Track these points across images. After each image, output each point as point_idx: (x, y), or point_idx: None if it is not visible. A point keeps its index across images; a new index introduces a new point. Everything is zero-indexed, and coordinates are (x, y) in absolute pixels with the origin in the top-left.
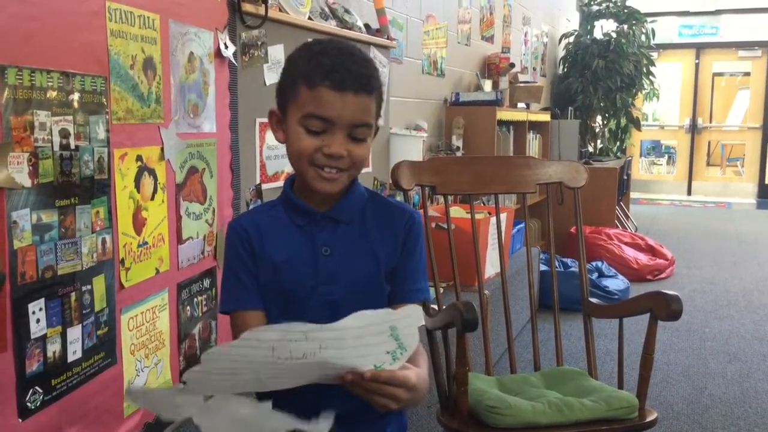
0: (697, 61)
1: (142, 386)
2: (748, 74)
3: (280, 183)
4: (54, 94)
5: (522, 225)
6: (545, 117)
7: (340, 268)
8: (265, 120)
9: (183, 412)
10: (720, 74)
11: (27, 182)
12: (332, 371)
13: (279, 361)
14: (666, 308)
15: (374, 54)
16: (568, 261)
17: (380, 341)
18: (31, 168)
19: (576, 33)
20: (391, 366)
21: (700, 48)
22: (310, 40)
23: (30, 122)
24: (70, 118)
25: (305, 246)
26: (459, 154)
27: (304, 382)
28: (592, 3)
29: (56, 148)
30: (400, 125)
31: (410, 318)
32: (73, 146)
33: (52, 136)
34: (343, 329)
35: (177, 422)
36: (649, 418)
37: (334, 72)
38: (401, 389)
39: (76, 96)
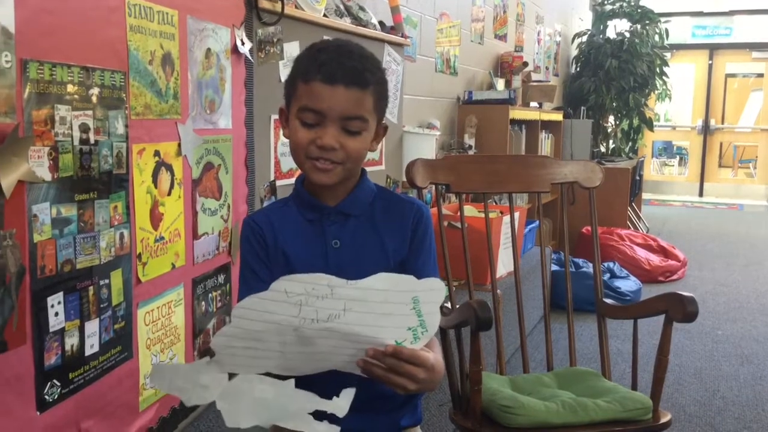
0: (710, 61)
1: (169, 364)
2: (761, 76)
3: (294, 180)
4: (74, 88)
5: (533, 225)
6: (558, 116)
7: (350, 261)
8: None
9: (207, 396)
10: (733, 75)
11: (47, 176)
12: (354, 346)
13: (305, 324)
14: (682, 310)
15: (388, 51)
16: (579, 261)
17: (402, 312)
18: (51, 162)
19: (589, 32)
20: (412, 344)
21: (713, 49)
22: (322, 38)
23: (50, 116)
24: (90, 112)
25: (316, 240)
26: (471, 152)
27: (324, 365)
28: (605, 2)
29: (76, 142)
30: (413, 123)
31: (433, 292)
32: (92, 141)
33: (72, 130)
34: (367, 289)
35: (194, 414)
36: (663, 420)
37: (325, 66)
38: (421, 369)
39: (95, 91)
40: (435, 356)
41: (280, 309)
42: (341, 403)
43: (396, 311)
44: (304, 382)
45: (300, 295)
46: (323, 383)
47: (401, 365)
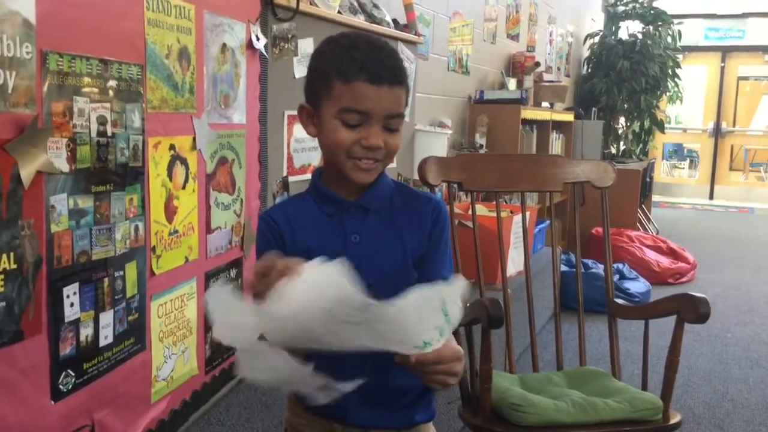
0: (722, 64)
1: (229, 292)
2: None
3: (307, 175)
4: (92, 81)
5: (543, 225)
6: (569, 117)
7: (369, 255)
8: (294, 113)
9: (240, 340)
10: (745, 78)
11: (65, 167)
12: (381, 344)
13: (336, 320)
14: (694, 311)
15: (401, 49)
16: (589, 262)
17: (433, 317)
18: (69, 153)
19: (601, 33)
20: (438, 342)
21: (725, 51)
22: (332, 35)
23: (69, 108)
24: (108, 105)
25: (335, 234)
26: (482, 152)
27: (352, 346)
28: (618, 3)
29: (93, 134)
30: (424, 122)
31: (455, 288)
32: (109, 133)
33: (89, 122)
34: (402, 311)
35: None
36: (674, 421)
37: (368, 65)
38: (455, 362)
39: (113, 83)
40: (458, 346)
41: (315, 296)
42: (348, 385)
43: (426, 320)
44: (323, 371)
45: (331, 301)
46: (343, 375)
47: (432, 368)
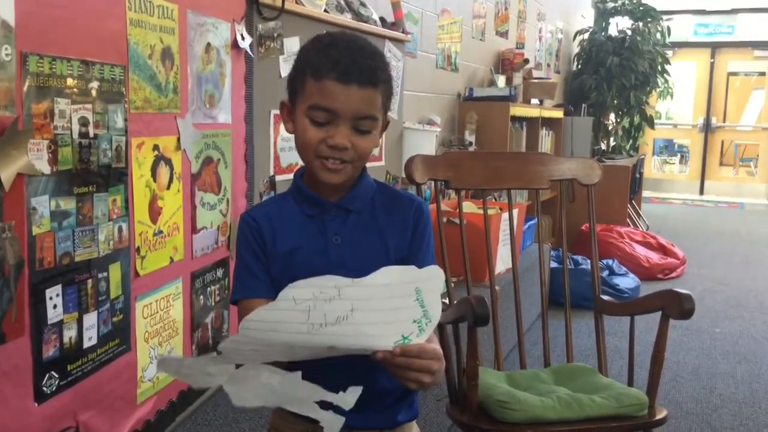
0: (712, 60)
1: (176, 355)
2: (763, 74)
3: (293, 174)
4: (74, 82)
5: (532, 222)
6: (558, 114)
7: (351, 256)
8: (279, 111)
9: (214, 381)
10: (735, 74)
11: (46, 169)
12: (363, 345)
13: (313, 330)
14: (678, 307)
15: (389, 47)
16: (578, 258)
17: (408, 305)
18: (50, 155)
19: (591, 30)
20: (418, 337)
21: (715, 47)
22: (321, 33)
23: (50, 110)
24: (89, 106)
25: (317, 235)
26: (471, 149)
27: (334, 353)
28: (607, 0)
29: (75, 135)
30: (413, 119)
31: (433, 280)
32: (91, 134)
33: (71, 123)
34: (373, 286)
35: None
36: (659, 416)
37: (340, 64)
38: (434, 360)
39: (95, 84)
40: (439, 348)
41: (288, 318)
42: (347, 398)
43: (402, 305)
44: (310, 376)
45: (308, 301)
46: (329, 379)
47: (412, 362)
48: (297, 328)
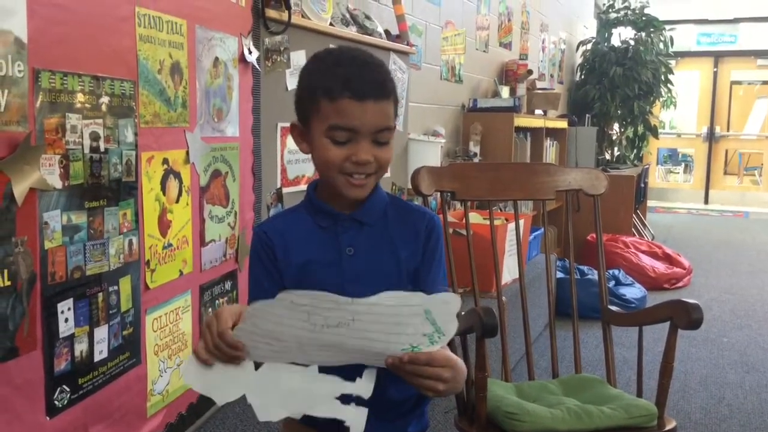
0: (715, 69)
1: (198, 365)
2: (766, 83)
3: (301, 187)
4: (85, 97)
5: (538, 232)
6: (562, 124)
7: (364, 268)
8: (287, 125)
9: (235, 391)
10: (738, 83)
11: (58, 184)
12: (370, 352)
13: (316, 329)
14: (687, 317)
15: (394, 59)
16: (584, 268)
17: (415, 322)
18: (62, 170)
19: (594, 40)
20: (428, 349)
21: (718, 56)
22: (321, 50)
23: (62, 125)
24: (100, 121)
25: (330, 247)
26: (476, 160)
27: (347, 360)
28: (610, 10)
29: (86, 150)
30: (418, 131)
31: (447, 305)
32: (102, 149)
33: (82, 138)
34: (375, 304)
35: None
36: (668, 427)
37: (351, 82)
38: (446, 368)
39: (105, 99)
40: (455, 356)
41: (289, 315)
42: (365, 384)
43: (408, 322)
44: (325, 367)
45: (305, 306)
46: (344, 367)
47: (422, 369)
48: (300, 325)
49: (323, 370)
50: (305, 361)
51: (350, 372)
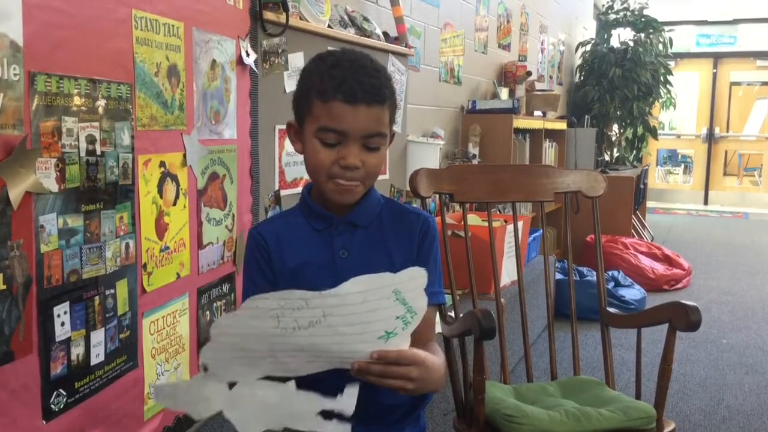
0: (714, 70)
1: (169, 383)
2: (766, 84)
3: (299, 189)
4: (81, 100)
5: (537, 233)
6: (561, 125)
7: (358, 271)
8: (285, 127)
9: (212, 407)
10: (737, 83)
11: (54, 187)
12: (343, 351)
13: (287, 333)
14: (685, 319)
15: (392, 61)
16: (584, 270)
17: (386, 306)
18: (58, 173)
19: (593, 41)
20: (404, 331)
21: (717, 57)
22: (324, 51)
23: (57, 128)
24: (97, 124)
25: (324, 249)
26: (475, 161)
27: (321, 365)
28: (609, 12)
29: (83, 153)
30: (416, 132)
31: (414, 280)
32: (99, 152)
33: (78, 142)
34: (344, 295)
35: (201, 421)
36: (667, 429)
37: (345, 85)
38: (412, 367)
39: (102, 102)
40: (426, 353)
41: (257, 323)
42: (347, 401)
43: (378, 307)
44: (306, 383)
45: (274, 309)
46: (326, 382)
47: (390, 369)
48: (270, 332)
49: (301, 386)
50: (278, 371)
51: (330, 387)
